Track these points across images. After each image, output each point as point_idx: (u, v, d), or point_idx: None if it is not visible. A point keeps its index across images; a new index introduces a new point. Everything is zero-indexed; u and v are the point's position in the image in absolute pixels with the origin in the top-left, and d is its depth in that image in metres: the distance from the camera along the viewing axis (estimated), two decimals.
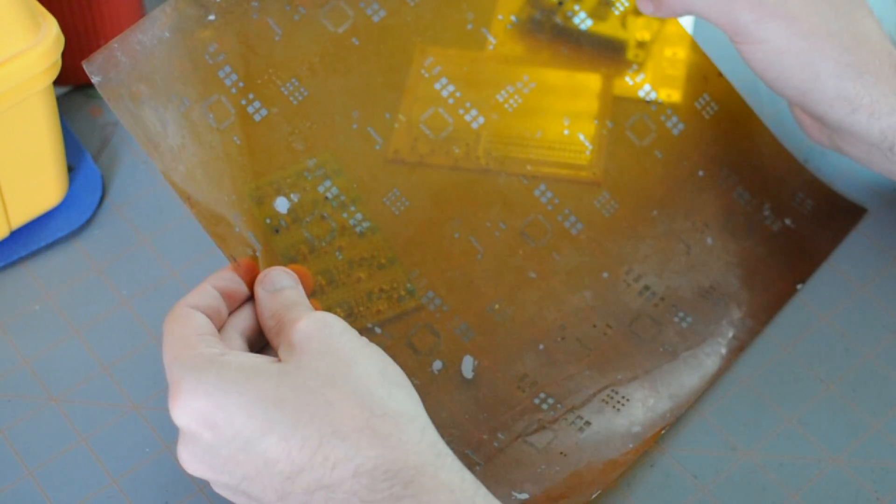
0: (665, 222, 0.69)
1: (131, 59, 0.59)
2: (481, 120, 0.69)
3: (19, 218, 0.69)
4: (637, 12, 0.73)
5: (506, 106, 0.69)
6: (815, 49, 0.64)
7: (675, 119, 0.72)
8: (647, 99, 0.72)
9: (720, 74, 0.73)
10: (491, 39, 0.70)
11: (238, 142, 0.62)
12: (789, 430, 0.63)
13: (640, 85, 0.72)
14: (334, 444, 0.52)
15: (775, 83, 0.66)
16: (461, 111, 0.68)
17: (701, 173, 0.71)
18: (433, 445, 0.54)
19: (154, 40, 0.60)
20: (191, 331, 0.56)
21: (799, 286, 0.68)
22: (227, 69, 0.62)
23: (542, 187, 0.68)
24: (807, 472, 0.62)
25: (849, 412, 0.64)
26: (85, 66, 0.58)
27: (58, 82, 0.68)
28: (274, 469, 0.53)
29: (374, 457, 0.52)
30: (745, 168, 0.72)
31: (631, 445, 0.62)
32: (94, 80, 0.59)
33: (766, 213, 0.71)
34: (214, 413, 0.53)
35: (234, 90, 0.62)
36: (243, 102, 0.62)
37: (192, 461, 0.55)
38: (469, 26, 0.69)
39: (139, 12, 0.78)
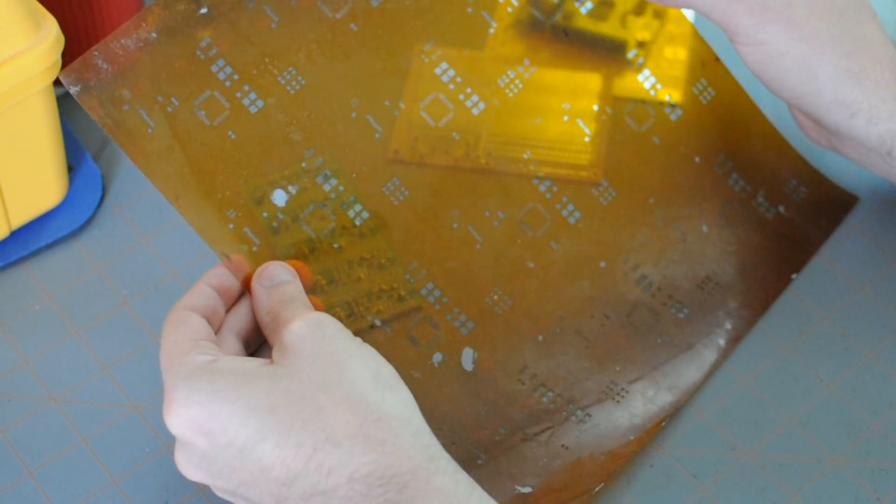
0: (662, 209, 0.69)
1: (114, 65, 0.59)
2: (482, 106, 0.68)
3: (19, 218, 0.69)
4: (637, 12, 0.73)
5: (507, 91, 0.69)
6: (814, 53, 0.64)
7: (673, 104, 0.72)
8: (647, 85, 0.72)
9: (717, 59, 0.73)
10: (492, 23, 0.69)
11: (233, 136, 0.61)
12: (789, 430, 0.63)
13: (640, 69, 0.72)
14: (328, 451, 0.52)
15: (772, 84, 0.66)
16: (461, 97, 0.68)
17: (697, 159, 0.71)
18: (427, 449, 0.54)
19: (139, 43, 0.60)
20: (185, 336, 0.56)
21: (794, 276, 0.68)
22: (221, 62, 0.61)
23: (541, 175, 0.68)
24: (807, 472, 0.62)
25: (849, 412, 0.64)
26: (61, 76, 0.58)
27: (58, 82, 0.68)
28: (270, 475, 0.53)
29: (367, 463, 0.52)
30: (740, 154, 0.72)
31: (632, 437, 0.62)
32: (72, 89, 0.58)
33: (761, 199, 0.71)
34: (208, 422, 0.53)
35: (228, 83, 0.61)
36: (238, 95, 0.62)
37: (189, 467, 0.55)
38: (469, 9, 0.69)
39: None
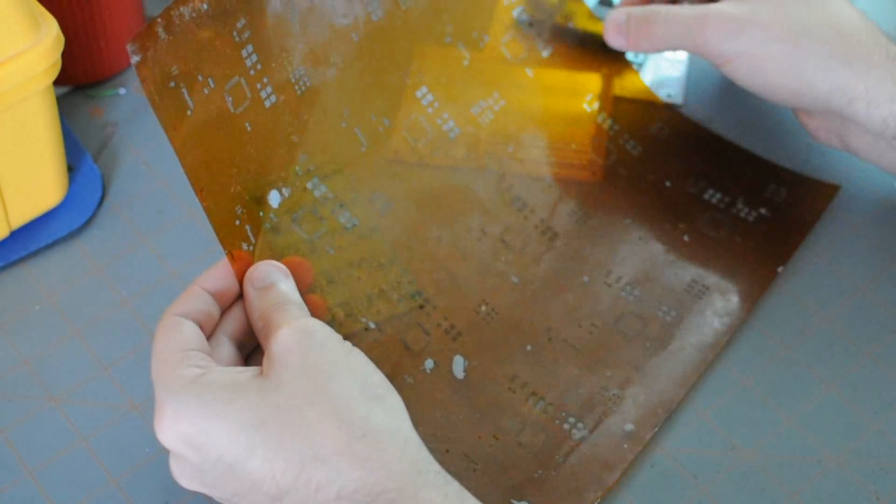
0: (639, 229, 0.70)
1: (170, 35, 0.57)
2: (457, 131, 0.69)
3: (19, 218, 0.69)
4: None
5: (479, 120, 0.70)
6: (794, 49, 0.64)
7: (632, 143, 0.73)
8: (604, 126, 0.73)
9: (667, 106, 0.74)
10: (465, 55, 0.70)
11: (249, 128, 0.60)
12: (789, 430, 0.63)
13: (597, 112, 0.73)
14: (316, 467, 0.52)
15: (765, 92, 0.66)
16: (438, 121, 0.69)
17: (668, 184, 0.72)
18: (414, 463, 0.54)
19: (193, 13, 0.58)
20: (174, 346, 0.56)
21: (780, 269, 0.68)
22: (250, 48, 0.60)
23: (517, 198, 0.69)
24: (807, 471, 0.62)
25: (849, 412, 0.64)
26: (128, 45, 0.56)
27: (58, 82, 0.68)
28: (261, 489, 0.53)
29: (354, 479, 0.52)
30: (711, 173, 0.72)
31: (625, 446, 0.62)
32: (133, 59, 0.56)
33: (740, 206, 0.71)
34: (197, 437, 0.53)
35: (252, 72, 0.60)
36: (258, 86, 0.61)
37: (183, 478, 0.55)
38: (448, 39, 0.69)
39: (139, 12, 0.78)
